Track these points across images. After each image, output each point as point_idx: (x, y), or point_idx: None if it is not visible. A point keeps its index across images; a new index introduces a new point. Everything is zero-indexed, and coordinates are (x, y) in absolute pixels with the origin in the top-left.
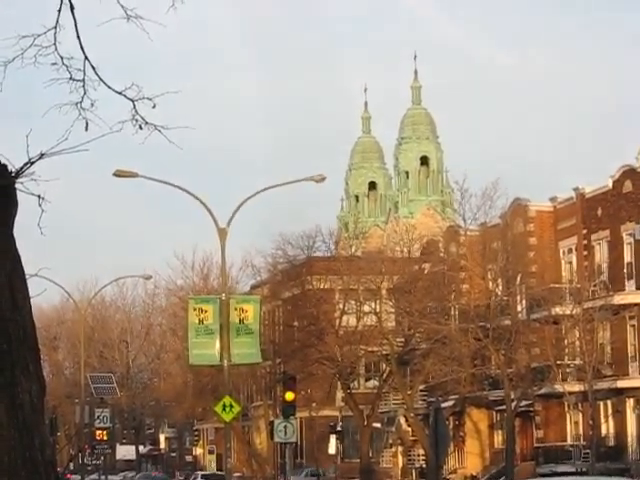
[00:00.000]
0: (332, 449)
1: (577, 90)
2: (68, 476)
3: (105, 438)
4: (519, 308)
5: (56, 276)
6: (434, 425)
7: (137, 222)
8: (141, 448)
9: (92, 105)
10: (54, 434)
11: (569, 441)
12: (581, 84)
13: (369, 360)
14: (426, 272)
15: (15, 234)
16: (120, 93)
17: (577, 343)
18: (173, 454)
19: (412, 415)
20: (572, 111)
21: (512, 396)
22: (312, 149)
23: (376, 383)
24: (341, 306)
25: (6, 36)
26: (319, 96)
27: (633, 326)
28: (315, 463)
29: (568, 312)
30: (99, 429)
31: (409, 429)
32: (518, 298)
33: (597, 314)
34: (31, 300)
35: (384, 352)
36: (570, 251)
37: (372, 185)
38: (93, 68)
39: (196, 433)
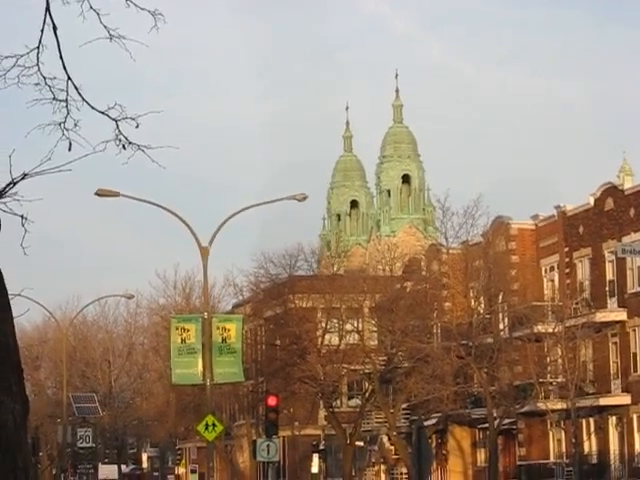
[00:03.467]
0: (315, 468)
1: (560, 108)
2: None
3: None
4: (501, 326)
5: (38, 296)
6: (417, 443)
7: (119, 241)
8: (124, 468)
9: (75, 125)
10: (36, 454)
11: (552, 459)
12: (565, 102)
13: (351, 379)
14: (408, 290)
15: None
16: (103, 113)
17: (559, 361)
18: (156, 473)
19: (395, 434)
20: (555, 129)
21: (495, 414)
22: (295, 167)
23: (359, 402)
24: (323, 325)
25: None
26: (301, 115)
27: (615, 344)
28: None
29: (550, 330)
30: (82, 449)
31: (392, 448)
32: (500, 316)
33: (579, 332)
34: (14, 320)
35: (366, 371)
36: (552, 269)
37: (354, 204)
38: (76, 88)
39: (179, 452)
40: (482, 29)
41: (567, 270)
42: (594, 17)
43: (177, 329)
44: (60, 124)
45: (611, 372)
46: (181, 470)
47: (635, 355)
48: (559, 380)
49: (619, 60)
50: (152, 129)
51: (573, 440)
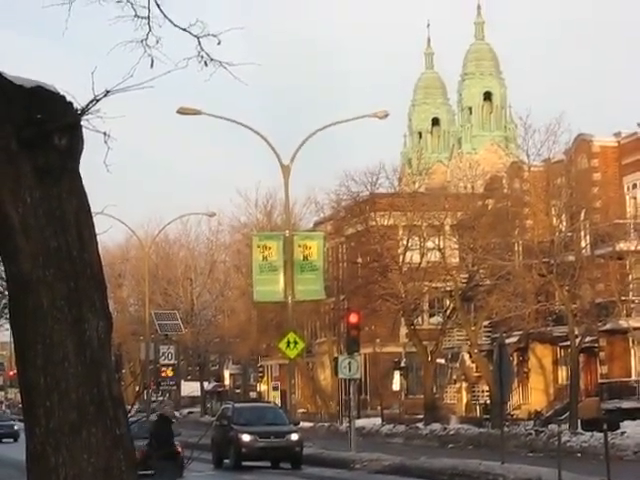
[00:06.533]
0: (396, 385)
1: None
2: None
3: (170, 374)
4: (583, 244)
5: (121, 214)
6: (498, 361)
7: (201, 160)
8: (206, 385)
9: (157, 42)
10: (119, 371)
11: (633, 377)
12: None
13: (433, 296)
14: (490, 208)
15: (81, 171)
16: (185, 30)
17: None
18: (238, 390)
19: (476, 351)
20: (638, 46)
21: (576, 332)
22: (376, 86)
23: (440, 319)
24: (405, 242)
25: None
26: (382, 32)
27: None
28: (379, 399)
29: (632, 248)
30: (164, 366)
31: (473, 365)
32: (582, 234)
33: None
34: (97, 237)
35: (448, 288)
36: (634, 186)
37: (435, 121)
38: (158, 5)
39: (260, 369)
40: None
41: None
42: None
43: (259, 247)
44: (142, 41)
45: None
46: (263, 387)
47: None
48: None
49: None
50: (234, 47)
51: None
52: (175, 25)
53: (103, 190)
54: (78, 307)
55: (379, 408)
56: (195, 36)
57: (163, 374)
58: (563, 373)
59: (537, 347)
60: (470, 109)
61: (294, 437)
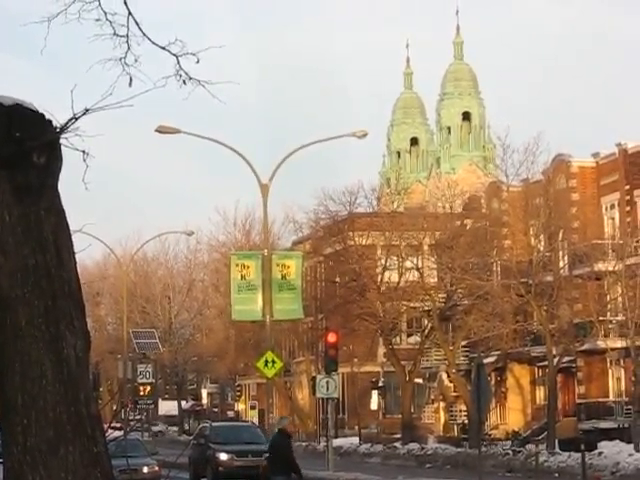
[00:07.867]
0: (374, 405)
1: (621, 44)
2: None
3: (148, 393)
4: (561, 264)
5: (99, 232)
6: (476, 381)
7: (180, 178)
8: (183, 403)
9: (136, 61)
10: (97, 389)
11: (611, 397)
12: (626, 39)
13: (411, 316)
14: (468, 228)
15: (60, 190)
16: (164, 48)
17: (619, 299)
18: (215, 409)
19: (454, 371)
20: (617, 66)
21: (554, 352)
22: (355, 106)
23: (418, 339)
24: (383, 262)
25: None
26: (361, 52)
27: None
28: (357, 418)
29: (610, 268)
30: (142, 384)
31: (451, 385)
32: (560, 254)
33: None
34: (75, 255)
35: (426, 308)
36: (612, 207)
37: (414, 141)
38: (137, 23)
39: (238, 388)
40: None
41: (628, 208)
42: None
43: (237, 266)
44: (121, 59)
45: None
46: (241, 406)
47: None
48: (619, 318)
49: None
50: (212, 65)
51: (633, 378)
52: (154, 43)
53: (81, 208)
54: (56, 325)
55: (357, 427)
56: (174, 54)
57: (141, 393)
58: (541, 393)
59: (515, 367)
60: (449, 129)
61: None
